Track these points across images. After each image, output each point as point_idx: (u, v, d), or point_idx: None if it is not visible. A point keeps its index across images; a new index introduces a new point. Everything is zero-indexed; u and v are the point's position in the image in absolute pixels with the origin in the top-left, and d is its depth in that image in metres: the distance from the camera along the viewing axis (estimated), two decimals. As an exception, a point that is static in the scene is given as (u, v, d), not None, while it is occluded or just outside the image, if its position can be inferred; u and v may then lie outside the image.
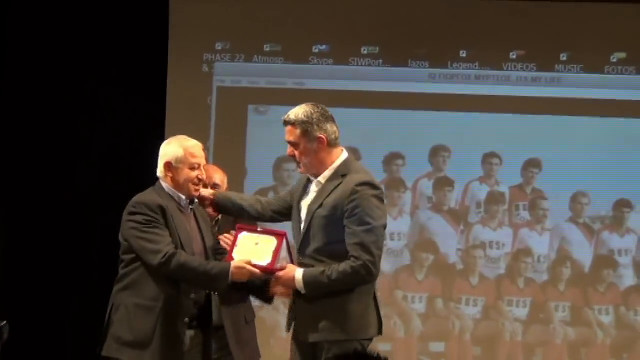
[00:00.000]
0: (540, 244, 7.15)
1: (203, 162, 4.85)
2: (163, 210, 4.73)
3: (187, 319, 4.70)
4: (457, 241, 7.16)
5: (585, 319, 7.11)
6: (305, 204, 4.71)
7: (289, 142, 4.65)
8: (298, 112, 4.66)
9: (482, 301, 7.12)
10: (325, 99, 6.90)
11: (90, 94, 7.23)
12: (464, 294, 7.12)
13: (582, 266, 7.13)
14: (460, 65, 7.14)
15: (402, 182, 7.20)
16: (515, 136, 7.11)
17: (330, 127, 4.64)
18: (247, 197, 5.11)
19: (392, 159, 7.19)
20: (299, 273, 4.58)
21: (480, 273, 7.13)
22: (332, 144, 4.65)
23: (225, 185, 5.41)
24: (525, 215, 7.16)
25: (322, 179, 4.66)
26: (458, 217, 7.17)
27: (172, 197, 4.82)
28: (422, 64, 7.16)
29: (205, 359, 4.90)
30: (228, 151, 6.93)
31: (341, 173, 4.64)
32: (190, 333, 4.78)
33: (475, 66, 7.12)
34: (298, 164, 4.71)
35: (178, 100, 7.12)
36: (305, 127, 4.62)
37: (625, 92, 7.02)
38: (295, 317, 4.68)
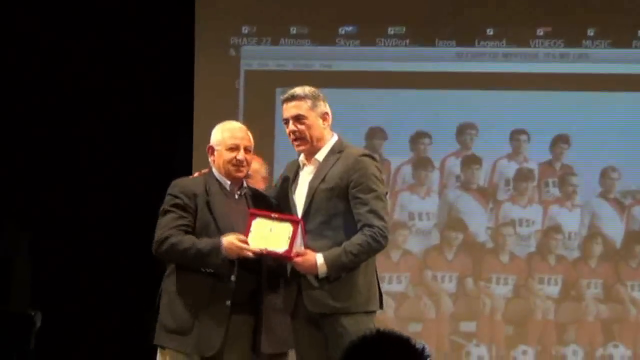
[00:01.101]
0: (571, 220, 7.11)
1: (244, 143, 4.82)
2: (196, 195, 4.76)
3: (228, 302, 4.73)
4: (486, 219, 7.13)
5: (618, 295, 7.08)
6: (302, 184, 4.77)
7: (296, 116, 4.71)
8: (302, 88, 4.75)
9: (513, 280, 7.10)
10: (353, 80, 7.00)
11: (118, 79, 7.27)
12: (494, 272, 7.10)
13: (613, 242, 7.10)
14: (487, 44, 7.11)
15: (429, 161, 7.19)
16: (543, 113, 7.06)
17: (328, 106, 4.79)
18: None
19: (418, 138, 7.18)
20: (320, 258, 4.61)
21: (510, 251, 7.11)
22: (330, 123, 4.75)
23: (261, 175, 5.40)
24: (554, 191, 7.13)
25: (319, 156, 4.74)
26: (487, 195, 7.16)
27: (219, 181, 4.85)
28: (449, 43, 7.14)
29: (255, 344, 4.92)
30: (256, 134, 6.94)
31: (337, 150, 4.74)
32: (238, 317, 4.80)
33: (502, 44, 7.09)
34: (299, 141, 4.76)
35: (205, 85, 7.14)
36: (314, 100, 4.73)
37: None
38: (299, 293, 4.70)
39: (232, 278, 4.70)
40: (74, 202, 7.30)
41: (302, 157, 4.84)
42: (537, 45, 7.06)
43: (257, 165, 5.32)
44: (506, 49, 7.09)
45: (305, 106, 4.73)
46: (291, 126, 4.73)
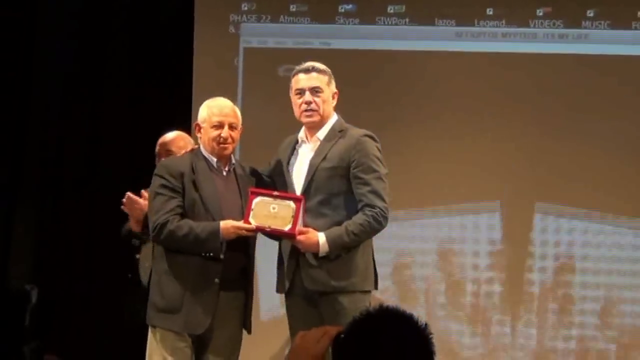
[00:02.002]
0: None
1: (229, 120, 4.85)
2: (182, 175, 4.77)
3: (217, 280, 4.74)
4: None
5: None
6: (302, 161, 4.78)
7: (314, 88, 4.76)
8: (321, 64, 4.80)
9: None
10: (352, 59, 6.99)
11: (117, 56, 7.26)
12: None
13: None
14: (487, 23, 7.09)
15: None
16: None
17: None
18: None
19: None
20: (322, 237, 4.65)
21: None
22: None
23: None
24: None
25: (320, 134, 4.78)
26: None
27: (206, 159, 4.86)
28: (449, 22, 7.12)
29: (245, 320, 4.94)
30: (254, 112, 6.94)
31: (338, 129, 4.79)
32: (228, 295, 4.81)
33: (502, 24, 7.08)
34: (311, 112, 4.79)
35: (205, 62, 7.12)
36: (330, 78, 4.81)
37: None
38: (298, 271, 4.73)
39: (221, 256, 4.72)
40: (75, 175, 7.29)
41: (302, 134, 4.86)
42: (536, 26, 7.04)
43: (182, 143, 5.41)
44: (506, 28, 7.07)
45: (324, 80, 4.80)
46: (307, 96, 4.77)
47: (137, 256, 5.46)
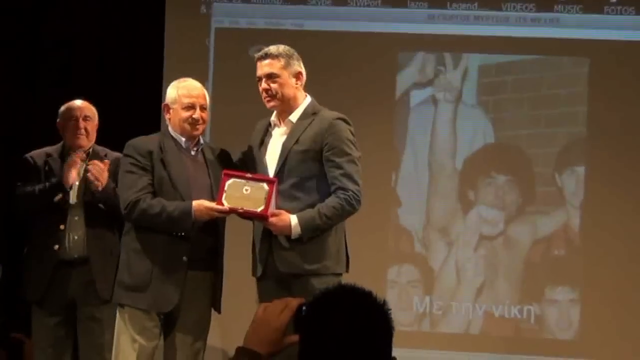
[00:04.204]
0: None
1: (200, 102, 4.90)
2: (150, 153, 4.79)
3: (185, 258, 4.76)
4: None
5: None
6: (275, 144, 4.79)
7: (268, 75, 4.79)
8: (277, 47, 4.81)
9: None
10: (325, 40, 6.97)
11: (86, 37, 7.20)
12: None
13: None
14: (459, 6, 7.07)
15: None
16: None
17: (303, 66, 4.83)
18: None
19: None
20: (294, 219, 4.67)
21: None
22: (303, 84, 4.80)
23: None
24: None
25: (293, 117, 4.78)
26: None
27: (174, 138, 4.89)
28: (421, 4, 7.10)
29: (213, 301, 4.95)
30: (226, 93, 6.92)
31: (311, 112, 4.79)
32: (196, 274, 4.83)
33: (475, 6, 7.07)
34: (270, 98, 4.80)
35: (176, 42, 7.08)
36: (287, 59, 4.79)
37: (624, 33, 6.97)
38: (270, 254, 4.74)
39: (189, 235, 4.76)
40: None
41: (274, 117, 4.88)
42: (509, 9, 7.03)
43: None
44: (478, 11, 7.05)
45: (278, 65, 4.79)
46: (263, 84, 4.81)
47: (62, 227, 5.43)
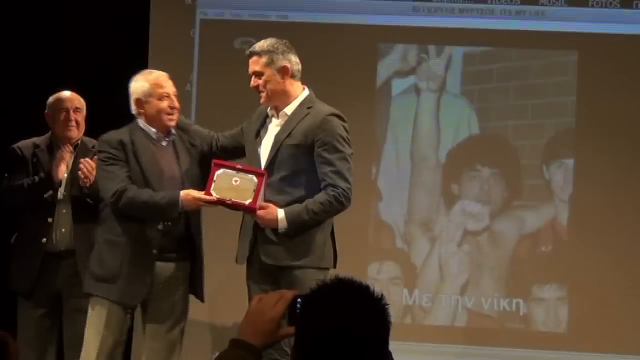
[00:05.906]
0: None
1: (172, 90, 4.95)
2: (123, 145, 4.82)
3: (155, 251, 4.78)
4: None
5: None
6: (269, 136, 4.80)
7: (254, 72, 4.82)
8: (262, 43, 4.85)
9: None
10: (309, 32, 6.95)
11: (73, 27, 7.17)
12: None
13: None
14: (444, -2, 7.06)
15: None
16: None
17: (294, 58, 4.86)
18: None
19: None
20: (281, 213, 4.67)
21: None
22: (295, 75, 4.83)
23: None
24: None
25: (288, 110, 4.79)
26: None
27: (145, 131, 4.91)
28: (406, -4, 7.08)
29: (193, 290, 4.96)
30: (212, 84, 6.90)
31: (306, 105, 4.81)
32: (169, 265, 4.85)
33: (459, -1, 7.06)
34: (260, 94, 4.83)
35: (161, 34, 7.05)
36: (270, 56, 4.81)
37: (609, 26, 6.96)
38: (256, 245, 4.73)
39: (160, 227, 4.78)
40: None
41: (270, 109, 4.89)
42: (494, 2, 7.02)
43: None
44: (463, 4, 7.03)
45: (261, 62, 4.82)
46: (252, 81, 4.83)
47: (50, 220, 5.43)
